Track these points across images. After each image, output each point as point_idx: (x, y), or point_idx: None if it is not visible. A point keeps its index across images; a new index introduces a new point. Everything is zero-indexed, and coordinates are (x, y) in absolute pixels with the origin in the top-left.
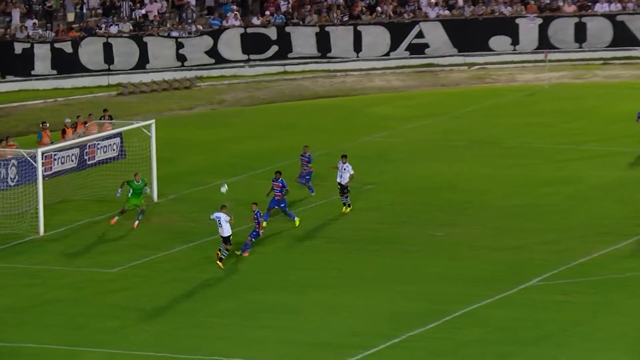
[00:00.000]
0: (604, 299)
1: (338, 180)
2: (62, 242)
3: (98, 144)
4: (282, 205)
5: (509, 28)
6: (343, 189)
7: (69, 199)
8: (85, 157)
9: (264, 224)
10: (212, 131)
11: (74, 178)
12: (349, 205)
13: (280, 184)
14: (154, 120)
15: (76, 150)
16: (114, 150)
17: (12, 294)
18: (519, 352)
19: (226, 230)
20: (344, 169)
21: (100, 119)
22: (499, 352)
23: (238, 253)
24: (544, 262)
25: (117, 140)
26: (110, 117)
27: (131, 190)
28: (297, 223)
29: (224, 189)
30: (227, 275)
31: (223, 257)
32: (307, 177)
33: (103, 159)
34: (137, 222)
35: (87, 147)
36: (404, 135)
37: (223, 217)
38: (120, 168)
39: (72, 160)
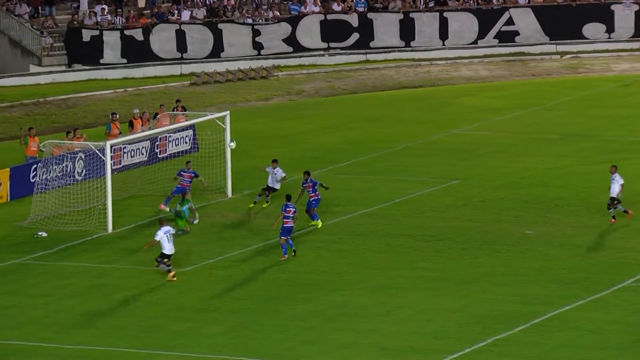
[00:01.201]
0: None
1: (269, 184)
2: (132, 239)
3: (170, 136)
4: (314, 204)
5: (604, 15)
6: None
7: (138, 194)
8: (157, 150)
9: (319, 224)
10: (289, 123)
11: (143, 172)
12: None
13: (311, 184)
14: (228, 112)
15: (147, 143)
16: (186, 143)
17: (79, 294)
18: (612, 358)
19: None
20: (275, 174)
21: (173, 110)
22: (590, 358)
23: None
24: (639, 262)
25: (190, 132)
26: (184, 108)
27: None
28: (319, 225)
29: (232, 144)
30: (306, 275)
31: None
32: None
33: (175, 152)
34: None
35: (159, 139)
36: (492, 127)
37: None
38: (193, 162)
39: (143, 154)
